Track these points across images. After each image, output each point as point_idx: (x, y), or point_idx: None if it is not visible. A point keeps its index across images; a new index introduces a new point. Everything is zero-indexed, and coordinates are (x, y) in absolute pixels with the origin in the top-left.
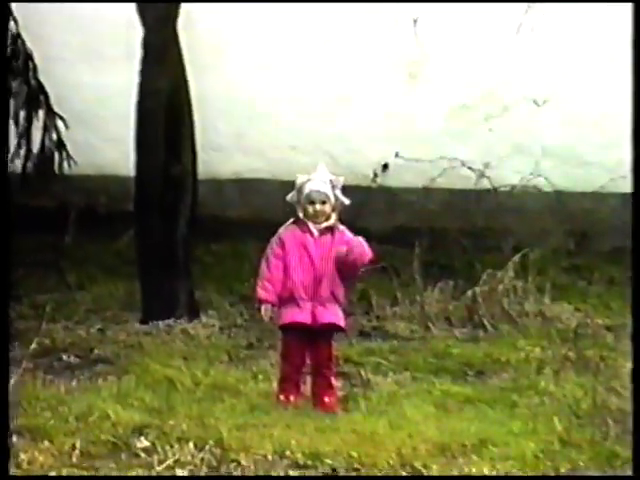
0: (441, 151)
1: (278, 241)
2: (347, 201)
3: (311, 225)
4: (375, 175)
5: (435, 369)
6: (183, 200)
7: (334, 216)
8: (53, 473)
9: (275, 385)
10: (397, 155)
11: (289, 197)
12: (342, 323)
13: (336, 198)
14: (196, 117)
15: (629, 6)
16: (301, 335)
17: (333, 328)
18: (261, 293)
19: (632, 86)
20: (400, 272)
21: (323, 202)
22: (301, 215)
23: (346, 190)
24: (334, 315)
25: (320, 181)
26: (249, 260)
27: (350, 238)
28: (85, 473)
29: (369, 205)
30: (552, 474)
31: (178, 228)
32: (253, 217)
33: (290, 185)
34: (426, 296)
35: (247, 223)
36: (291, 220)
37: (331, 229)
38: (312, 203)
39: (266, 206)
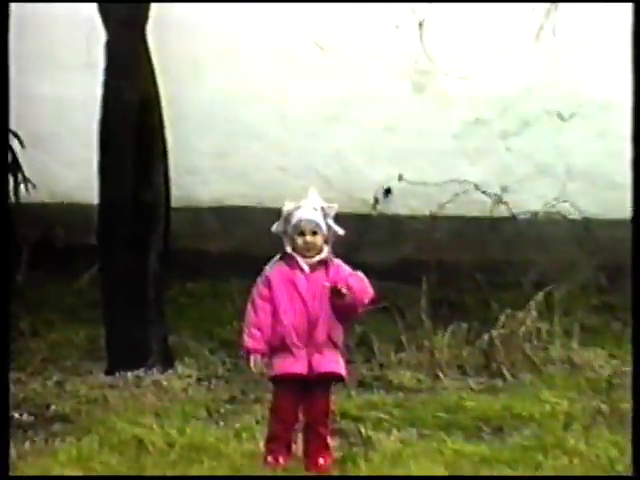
0: (452, 173)
1: (264, 280)
2: (341, 231)
3: (300, 260)
4: (376, 201)
5: (446, 425)
6: (155, 231)
7: (326, 248)
8: None
9: (262, 445)
10: (401, 178)
11: (274, 228)
12: (343, 371)
13: (329, 228)
14: (169, 135)
15: (629, 6)
16: (295, 387)
17: (332, 378)
18: (249, 342)
19: (632, 86)
20: (405, 313)
21: (314, 233)
22: (289, 249)
23: (341, 218)
24: (333, 363)
25: (310, 209)
26: (231, 300)
27: (348, 274)
28: None
29: (369, 235)
30: None
31: (149, 263)
32: (236, 251)
33: (278, 213)
34: (435, 341)
35: (229, 258)
36: (278, 256)
37: (324, 263)
38: (301, 234)
39: (251, 238)
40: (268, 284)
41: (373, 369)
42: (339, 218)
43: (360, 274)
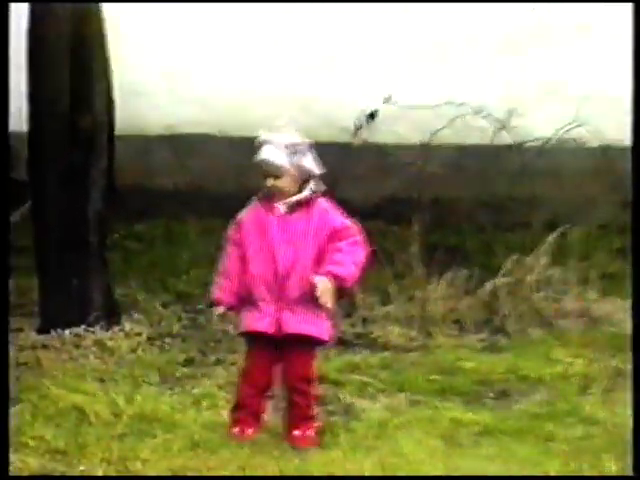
0: (447, 94)
1: (235, 222)
2: (317, 171)
3: (276, 201)
4: (358, 127)
5: (441, 389)
6: (96, 163)
7: (310, 186)
8: None
9: (225, 414)
10: (388, 100)
11: (256, 160)
12: (319, 333)
13: (300, 168)
14: (113, 51)
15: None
16: (266, 347)
17: (303, 340)
18: (214, 291)
19: (632, 86)
20: (394, 258)
21: (276, 176)
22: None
23: (318, 148)
24: (305, 323)
25: (273, 147)
26: (187, 245)
27: (336, 227)
28: None
29: (350, 169)
30: None
31: (89, 202)
32: (193, 187)
33: (244, 143)
34: (429, 291)
35: (184, 195)
36: (259, 193)
37: (306, 204)
38: (265, 176)
39: (210, 171)
40: (239, 227)
41: (355, 324)
42: (315, 148)
43: (353, 235)
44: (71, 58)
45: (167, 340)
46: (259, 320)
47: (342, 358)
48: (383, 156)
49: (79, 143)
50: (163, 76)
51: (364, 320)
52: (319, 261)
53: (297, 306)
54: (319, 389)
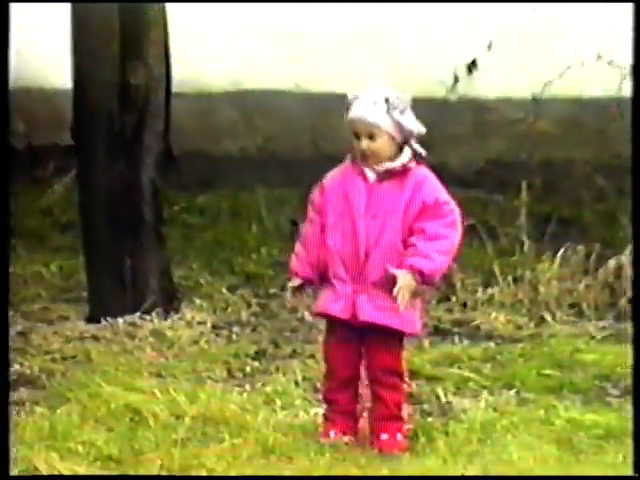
0: (559, 38)
1: (319, 186)
2: (418, 129)
3: (369, 165)
4: (456, 80)
5: (556, 386)
6: (150, 125)
7: (406, 152)
8: None
9: (303, 415)
10: (490, 47)
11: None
12: (399, 324)
13: (400, 127)
14: None
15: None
16: (346, 332)
17: (384, 329)
18: (292, 263)
19: (632, 86)
20: (498, 233)
21: (371, 136)
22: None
23: (414, 108)
24: (382, 310)
25: (368, 102)
26: (257, 218)
27: (426, 202)
28: None
29: (446, 128)
30: None
31: (143, 170)
32: (263, 152)
33: (322, 100)
34: (540, 270)
35: (254, 161)
36: (349, 155)
37: (403, 172)
38: (357, 137)
39: (284, 134)
40: (322, 191)
41: (453, 310)
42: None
43: (446, 215)
44: (121, 5)
45: (235, 329)
46: (333, 302)
47: (439, 349)
48: (484, 113)
49: (131, 102)
50: (226, 22)
51: (464, 305)
52: (407, 241)
53: (377, 291)
54: (410, 385)
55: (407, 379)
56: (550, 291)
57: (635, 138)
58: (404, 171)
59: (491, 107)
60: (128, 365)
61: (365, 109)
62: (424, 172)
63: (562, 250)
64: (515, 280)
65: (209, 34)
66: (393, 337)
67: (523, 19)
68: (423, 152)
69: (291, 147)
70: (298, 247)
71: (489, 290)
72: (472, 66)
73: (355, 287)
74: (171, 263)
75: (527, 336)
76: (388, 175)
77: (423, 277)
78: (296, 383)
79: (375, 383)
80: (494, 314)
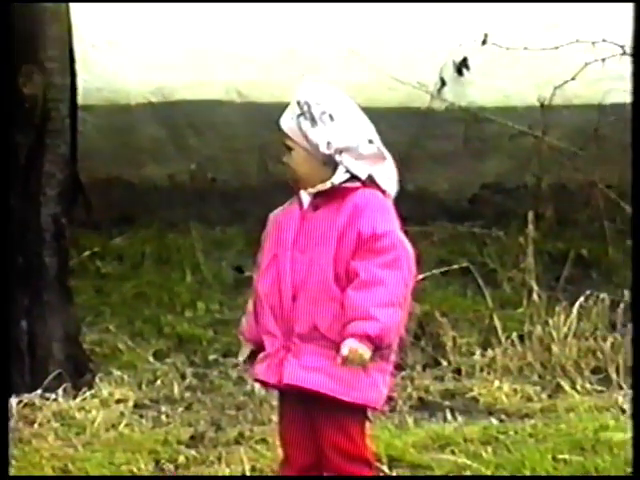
0: (570, 30)
1: (268, 221)
2: (353, 142)
3: (301, 190)
4: (442, 83)
5: (577, 474)
6: (51, 147)
7: (340, 171)
8: None
9: None
10: (485, 40)
11: None
12: (336, 390)
13: (306, 138)
14: None
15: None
16: (300, 407)
17: (325, 397)
18: (242, 324)
19: (632, 86)
20: (499, 277)
21: (288, 148)
22: None
23: (384, 117)
24: (313, 371)
25: (290, 105)
26: (192, 265)
27: (361, 233)
28: None
29: (430, 144)
30: None
31: (42, 205)
32: (198, 178)
33: (268, 112)
34: (553, 326)
35: (187, 190)
36: None
37: (340, 197)
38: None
39: (224, 155)
40: (267, 227)
41: (443, 378)
42: (375, 115)
43: (384, 252)
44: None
45: (164, 409)
46: (261, 362)
47: (425, 428)
48: (478, 124)
49: (24, 117)
50: (149, 18)
51: (457, 371)
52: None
53: (307, 344)
54: (380, 471)
55: (385, 467)
56: (567, 352)
57: (635, 139)
58: (342, 195)
59: (486, 118)
60: (25, 459)
61: (284, 114)
62: (369, 196)
63: (581, 299)
64: (522, 338)
65: (126, 33)
66: (341, 409)
67: (525, 7)
68: (362, 174)
69: (234, 172)
70: (250, 304)
71: (489, 352)
72: (462, 66)
73: (284, 342)
74: (81, 325)
75: (539, 410)
76: (323, 201)
77: (371, 341)
78: (244, 476)
79: (327, 464)
80: (496, 383)
